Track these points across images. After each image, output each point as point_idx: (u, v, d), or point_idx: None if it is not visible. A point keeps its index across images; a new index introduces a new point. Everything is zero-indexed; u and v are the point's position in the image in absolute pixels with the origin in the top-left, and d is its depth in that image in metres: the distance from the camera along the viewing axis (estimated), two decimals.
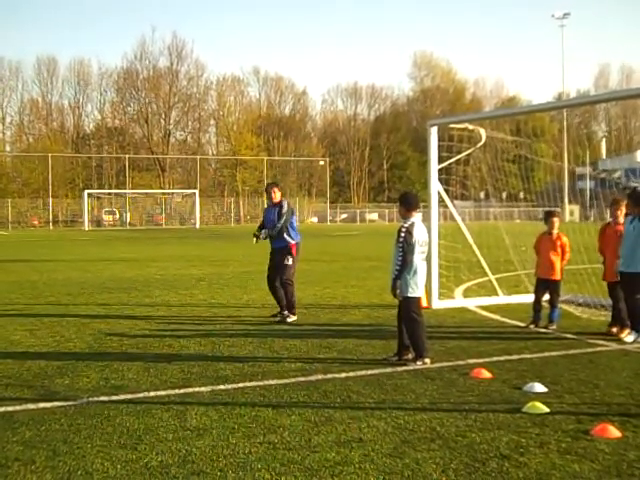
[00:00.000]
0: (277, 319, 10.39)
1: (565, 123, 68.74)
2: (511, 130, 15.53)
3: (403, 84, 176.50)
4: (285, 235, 10.45)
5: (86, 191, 66.51)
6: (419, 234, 7.40)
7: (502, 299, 12.20)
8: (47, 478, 4.38)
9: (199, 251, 28.18)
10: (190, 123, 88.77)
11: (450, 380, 6.72)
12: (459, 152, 12.74)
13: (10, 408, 5.87)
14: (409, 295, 7.37)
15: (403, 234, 7.32)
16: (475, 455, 4.69)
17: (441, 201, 12.25)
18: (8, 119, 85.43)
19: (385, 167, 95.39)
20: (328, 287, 14.51)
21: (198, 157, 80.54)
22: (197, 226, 66.19)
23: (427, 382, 6.63)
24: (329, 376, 6.89)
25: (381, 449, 4.81)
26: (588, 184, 62.45)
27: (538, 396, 6.08)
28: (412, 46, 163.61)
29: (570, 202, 54.69)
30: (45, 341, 8.89)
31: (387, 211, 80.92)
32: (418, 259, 7.38)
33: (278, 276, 10.43)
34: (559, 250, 9.77)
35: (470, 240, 12.73)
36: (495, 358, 7.67)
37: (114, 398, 6.17)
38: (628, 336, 8.69)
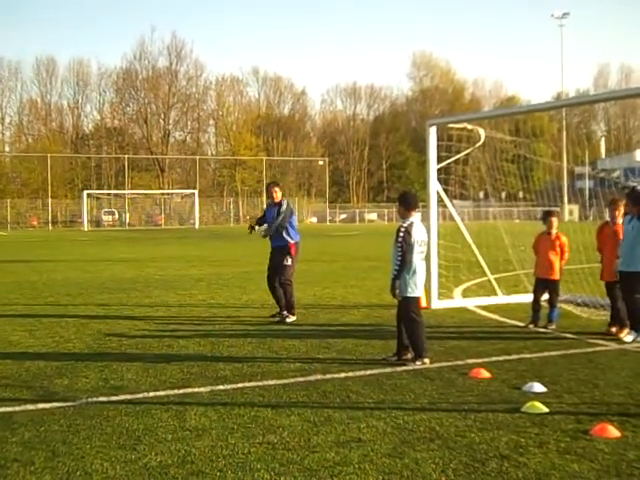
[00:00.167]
0: (276, 319, 10.39)
1: (564, 123, 68.82)
2: (510, 130, 15.53)
3: (402, 84, 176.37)
4: (284, 234, 10.45)
5: (85, 191, 66.59)
6: (418, 234, 7.40)
7: (501, 299, 12.20)
8: (46, 479, 4.38)
9: (198, 251, 28.18)
10: (189, 123, 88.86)
11: (449, 380, 6.72)
12: (458, 152, 12.74)
13: (9, 409, 5.87)
14: (408, 295, 7.37)
15: (402, 234, 7.32)
16: (474, 455, 4.69)
17: (440, 201, 12.25)
18: (7, 119, 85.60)
19: (384, 167, 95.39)
20: (327, 287, 14.50)
21: (197, 157, 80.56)
22: (196, 226, 66.22)
23: (426, 382, 6.63)
24: (328, 376, 6.89)
25: (380, 449, 4.81)
26: (587, 183, 62.45)
27: (537, 396, 6.08)
28: (411, 46, 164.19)
29: (569, 202, 54.74)
30: (44, 341, 8.88)
31: (386, 211, 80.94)
32: (417, 259, 7.38)
33: (277, 276, 10.43)
34: (558, 250, 9.77)
35: (469, 240, 12.74)
36: (494, 358, 7.67)
37: (113, 398, 6.16)
38: (627, 336, 8.69)
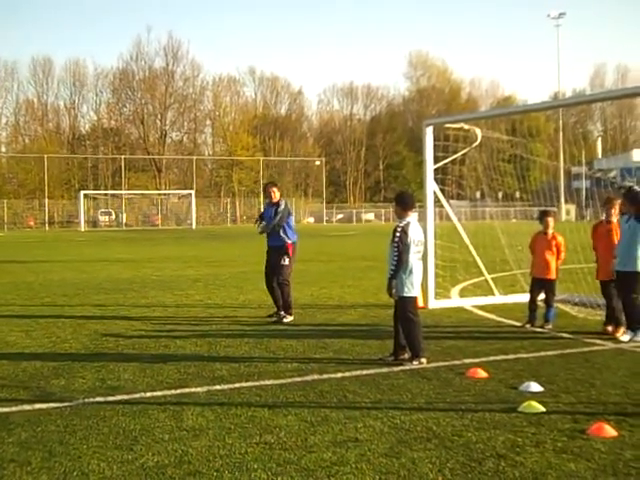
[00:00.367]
0: (273, 319, 10.39)
1: (561, 122, 68.77)
2: (507, 130, 15.55)
3: (399, 84, 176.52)
4: (282, 234, 10.45)
5: (82, 192, 66.42)
6: (414, 234, 7.40)
7: (498, 299, 12.21)
8: (43, 479, 4.37)
9: (195, 252, 28.16)
10: (186, 123, 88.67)
11: (446, 380, 6.73)
12: (455, 152, 12.76)
13: (6, 409, 5.86)
14: (405, 295, 7.37)
15: (398, 234, 7.33)
16: (471, 454, 4.69)
17: (437, 201, 12.26)
18: (4, 120, 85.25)
19: (381, 167, 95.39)
20: (324, 287, 14.51)
21: (194, 157, 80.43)
22: (193, 227, 66.14)
23: (423, 382, 6.64)
24: (325, 376, 6.89)
25: (377, 449, 4.81)
26: (584, 183, 62.44)
27: (534, 395, 6.09)
28: (408, 46, 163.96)
29: (566, 201, 54.81)
30: (41, 342, 8.87)
31: (383, 211, 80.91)
32: (414, 259, 7.38)
33: (275, 276, 10.43)
34: (554, 250, 9.78)
35: (466, 240, 12.75)
36: (491, 358, 7.68)
37: (110, 399, 6.16)
38: (624, 335, 8.71)
